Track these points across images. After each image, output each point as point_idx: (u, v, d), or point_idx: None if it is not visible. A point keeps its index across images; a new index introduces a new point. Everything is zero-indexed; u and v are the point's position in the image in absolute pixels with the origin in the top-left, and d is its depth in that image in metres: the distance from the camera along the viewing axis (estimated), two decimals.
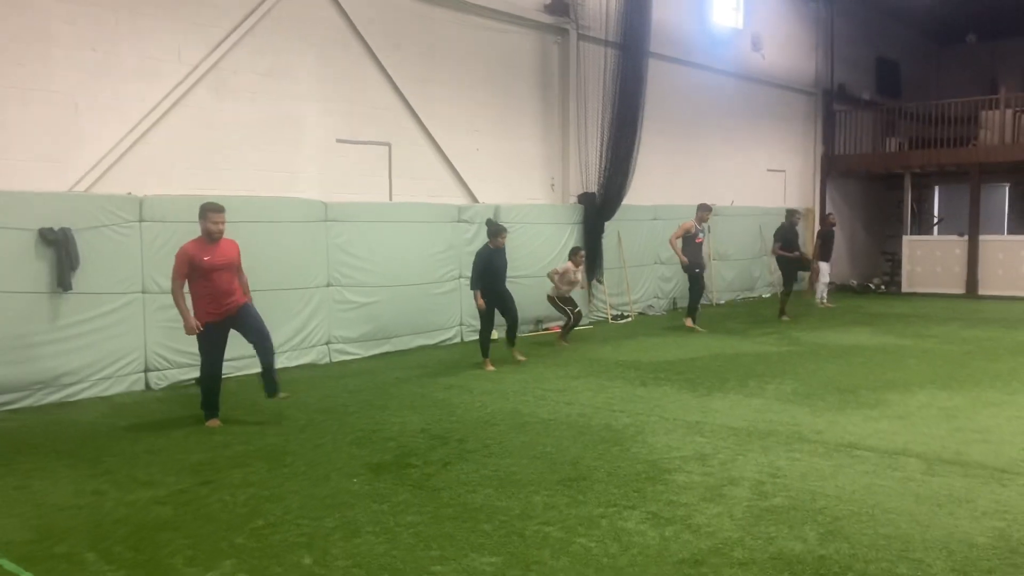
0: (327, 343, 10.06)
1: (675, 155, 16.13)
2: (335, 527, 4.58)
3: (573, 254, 11.24)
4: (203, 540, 4.40)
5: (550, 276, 11.12)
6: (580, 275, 11.42)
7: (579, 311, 11.23)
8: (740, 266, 17.42)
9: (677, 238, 12.37)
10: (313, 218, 9.84)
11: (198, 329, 6.73)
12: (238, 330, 7.02)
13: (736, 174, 17.82)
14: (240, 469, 5.67)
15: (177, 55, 9.07)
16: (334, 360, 10.04)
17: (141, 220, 8.42)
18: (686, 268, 12.43)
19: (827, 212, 18.52)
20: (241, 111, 9.67)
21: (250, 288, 7.22)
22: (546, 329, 12.41)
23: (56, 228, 7.75)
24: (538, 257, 12.00)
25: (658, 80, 14.39)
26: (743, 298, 17.41)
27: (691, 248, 12.35)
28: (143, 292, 8.46)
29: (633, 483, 5.27)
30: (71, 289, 7.86)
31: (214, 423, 6.89)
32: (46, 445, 6.35)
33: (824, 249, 15.84)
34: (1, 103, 7.89)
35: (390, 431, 6.66)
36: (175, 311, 8.53)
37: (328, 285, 10.02)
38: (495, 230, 9.68)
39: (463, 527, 4.54)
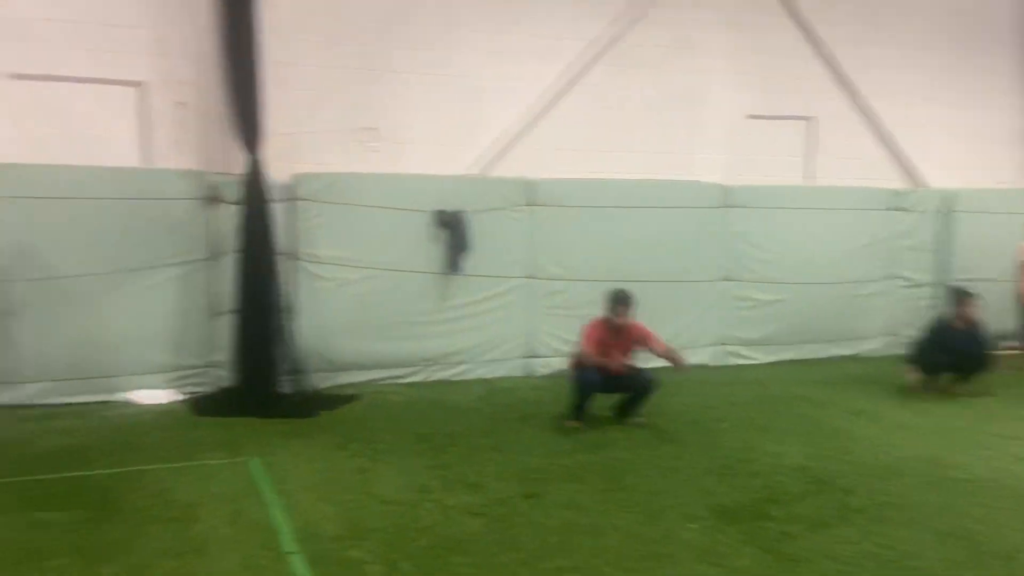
0: (721, 343, 9.02)
1: None
2: None
3: None
4: (491, 574, 3.81)
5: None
6: None
7: None
8: None
9: None
10: (709, 203, 8.84)
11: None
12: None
13: None
14: (572, 484, 5.02)
15: (576, 31, 8.73)
16: (727, 363, 8.96)
17: (532, 204, 8.26)
18: None
19: None
20: (640, 88, 9.04)
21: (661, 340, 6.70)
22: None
23: (450, 211, 7.90)
24: (1002, 255, 9.37)
25: None
26: None
27: None
28: (530, 277, 8.31)
29: None
30: (461, 272, 7.98)
31: (573, 424, 6.38)
32: (413, 425, 6.38)
33: None
34: (409, 87, 8.26)
35: (760, 463, 5.47)
36: (561, 297, 8.42)
37: (725, 279, 8.96)
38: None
39: None
